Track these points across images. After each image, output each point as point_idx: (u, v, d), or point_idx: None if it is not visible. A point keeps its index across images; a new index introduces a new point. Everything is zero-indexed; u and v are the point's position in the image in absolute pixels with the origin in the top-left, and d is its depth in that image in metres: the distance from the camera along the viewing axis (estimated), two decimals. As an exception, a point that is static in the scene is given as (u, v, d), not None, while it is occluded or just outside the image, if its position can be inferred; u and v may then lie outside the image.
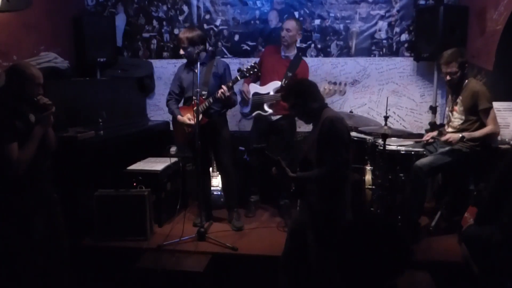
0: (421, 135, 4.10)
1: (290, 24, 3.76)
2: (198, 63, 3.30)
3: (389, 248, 1.42)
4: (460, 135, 3.12)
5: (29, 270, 2.52)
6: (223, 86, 3.36)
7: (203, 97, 3.43)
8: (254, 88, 3.81)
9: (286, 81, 3.69)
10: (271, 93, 3.70)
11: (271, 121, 3.79)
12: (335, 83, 3.58)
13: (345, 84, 3.57)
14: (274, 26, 4.46)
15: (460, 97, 3.25)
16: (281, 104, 3.50)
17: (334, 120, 2.40)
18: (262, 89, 3.77)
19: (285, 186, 2.69)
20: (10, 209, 2.44)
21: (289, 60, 3.80)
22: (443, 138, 3.22)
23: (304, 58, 4.47)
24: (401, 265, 1.45)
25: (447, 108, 3.47)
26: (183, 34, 3.46)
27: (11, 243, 2.45)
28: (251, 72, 3.38)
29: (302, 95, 2.49)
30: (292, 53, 3.85)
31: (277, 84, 3.70)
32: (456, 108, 3.29)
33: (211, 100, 3.42)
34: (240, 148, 2.43)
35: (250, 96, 3.77)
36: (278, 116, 3.76)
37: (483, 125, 3.18)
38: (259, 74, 3.82)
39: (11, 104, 2.43)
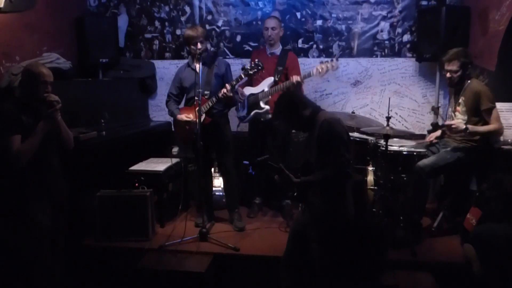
0: (423, 136, 4.10)
1: (274, 22, 3.80)
2: (200, 63, 3.32)
3: (368, 249, 1.46)
4: (464, 126, 3.12)
5: (29, 261, 2.57)
6: (226, 85, 3.37)
7: (206, 97, 3.44)
8: (248, 90, 3.81)
9: (279, 76, 3.72)
10: (266, 89, 3.71)
11: (267, 119, 3.78)
12: (326, 61, 3.58)
13: (337, 59, 3.57)
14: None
15: (463, 98, 3.26)
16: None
17: (331, 121, 2.40)
18: (256, 89, 3.79)
19: (288, 189, 2.69)
20: (13, 200, 2.53)
21: (276, 56, 3.83)
22: (448, 122, 3.22)
23: (306, 59, 4.51)
24: (378, 265, 1.48)
25: (449, 109, 3.47)
26: (196, 29, 3.45)
27: (13, 232, 2.54)
28: (255, 70, 3.38)
29: (291, 109, 2.48)
30: (278, 49, 3.88)
31: (270, 80, 3.72)
32: (459, 108, 3.29)
33: (214, 99, 3.42)
34: (244, 162, 2.45)
35: (246, 95, 3.78)
36: None
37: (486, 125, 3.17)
38: (254, 76, 3.81)
39: (22, 100, 2.56)
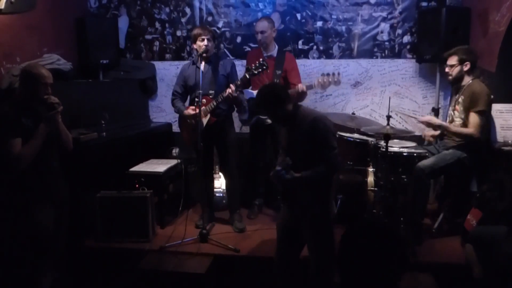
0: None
1: (262, 25, 3.75)
2: (203, 62, 3.32)
3: (388, 251, 1.43)
4: (439, 122, 3.31)
5: (31, 264, 2.57)
6: (231, 85, 3.35)
7: (210, 97, 3.43)
8: (247, 93, 3.80)
9: (278, 80, 3.71)
10: None
11: (267, 124, 3.79)
12: (328, 74, 3.57)
13: (339, 74, 3.56)
14: (277, 28, 4.46)
15: (462, 97, 3.26)
16: None
17: (323, 119, 2.46)
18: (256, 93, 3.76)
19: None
20: (14, 203, 2.51)
21: (273, 58, 3.81)
22: (422, 119, 3.42)
23: (306, 60, 4.51)
24: (400, 268, 1.46)
25: (450, 107, 3.47)
26: (205, 28, 3.48)
27: (13, 235, 2.53)
28: (260, 70, 3.34)
29: (277, 101, 2.48)
30: (274, 50, 3.85)
31: None
32: (458, 107, 3.30)
33: (219, 99, 3.41)
34: (277, 168, 2.43)
35: (246, 97, 3.77)
36: None
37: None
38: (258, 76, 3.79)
39: (21, 102, 2.52)
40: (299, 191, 2.48)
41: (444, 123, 3.30)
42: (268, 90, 2.55)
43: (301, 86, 3.57)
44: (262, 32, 3.74)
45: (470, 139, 3.17)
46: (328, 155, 2.41)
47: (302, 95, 3.63)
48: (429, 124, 3.41)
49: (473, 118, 3.15)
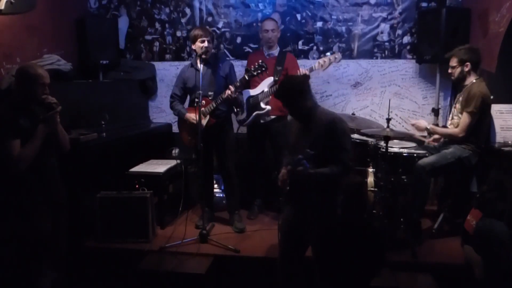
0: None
1: (273, 24, 3.82)
2: (202, 64, 3.32)
3: (362, 249, 1.45)
4: (426, 125, 3.36)
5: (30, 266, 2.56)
6: (230, 87, 3.36)
7: (210, 98, 3.43)
8: (246, 92, 3.80)
9: (278, 76, 3.71)
10: (266, 89, 3.70)
11: (266, 122, 3.78)
12: (326, 55, 3.62)
13: (338, 50, 3.60)
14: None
15: (462, 96, 3.28)
16: (275, 104, 3.50)
17: (341, 121, 2.49)
18: (256, 90, 3.78)
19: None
20: (13, 205, 2.50)
21: (275, 57, 3.84)
22: (412, 122, 3.52)
23: (306, 61, 4.51)
24: (374, 266, 1.47)
25: (453, 105, 3.49)
26: (205, 29, 3.50)
27: (13, 237, 2.52)
28: (259, 71, 3.36)
29: (298, 93, 2.48)
30: (276, 50, 3.89)
31: (270, 79, 3.71)
32: (457, 106, 3.32)
33: (218, 100, 3.41)
34: (299, 156, 2.40)
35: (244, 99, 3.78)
36: (273, 117, 3.76)
37: (478, 126, 3.18)
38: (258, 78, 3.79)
39: (18, 103, 2.50)
40: (308, 189, 2.48)
41: (430, 126, 3.39)
42: (291, 80, 2.58)
43: (302, 70, 3.61)
44: (273, 31, 3.80)
45: (455, 138, 3.25)
46: (342, 157, 2.43)
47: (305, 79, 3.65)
48: (418, 127, 3.46)
49: (463, 118, 3.21)
